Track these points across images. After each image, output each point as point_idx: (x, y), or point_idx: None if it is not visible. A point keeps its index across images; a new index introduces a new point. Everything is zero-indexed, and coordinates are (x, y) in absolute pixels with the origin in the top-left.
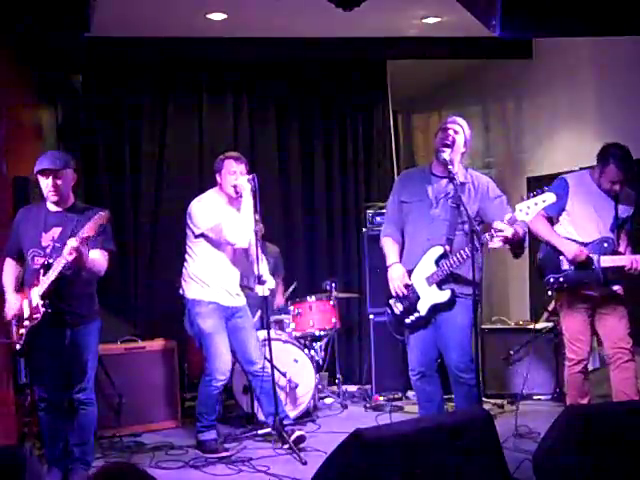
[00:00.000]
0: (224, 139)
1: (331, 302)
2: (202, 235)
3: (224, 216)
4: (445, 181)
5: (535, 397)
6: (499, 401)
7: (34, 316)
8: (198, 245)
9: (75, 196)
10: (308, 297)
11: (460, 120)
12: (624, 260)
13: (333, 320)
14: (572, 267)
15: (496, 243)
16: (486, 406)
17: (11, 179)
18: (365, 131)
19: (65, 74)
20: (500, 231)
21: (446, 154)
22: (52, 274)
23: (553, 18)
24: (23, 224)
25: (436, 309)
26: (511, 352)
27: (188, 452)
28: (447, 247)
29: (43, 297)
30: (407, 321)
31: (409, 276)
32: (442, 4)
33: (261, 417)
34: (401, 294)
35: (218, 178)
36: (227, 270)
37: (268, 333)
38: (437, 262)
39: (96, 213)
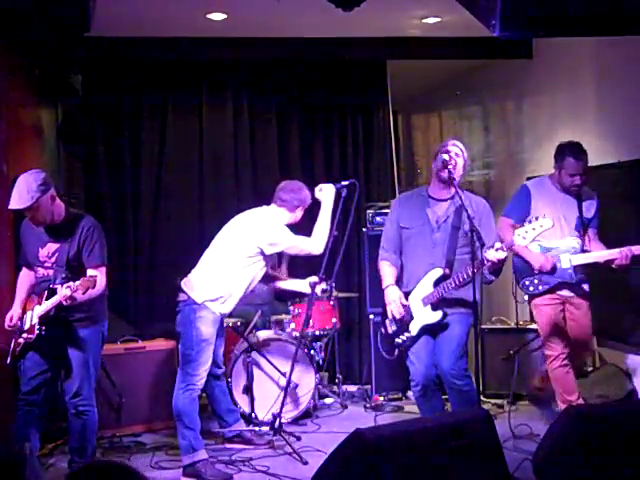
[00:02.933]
0: (224, 139)
1: (331, 302)
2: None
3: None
4: (445, 204)
5: None
6: (499, 401)
7: (29, 335)
8: (243, 261)
9: (65, 202)
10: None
11: (460, 144)
12: (613, 254)
13: (333, 320)
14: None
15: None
16: (486, 406)
17: (11, 179)
18: (365, 131)
19: (65, 74)
20: (492, 261)
21: (446, 174)
22: (49, 304)
23: (553, 18)
24: (24, 237)
25: (427, 329)
26: (511, 352)
27: None
28: (447, 270)
29: (41, 320)
30: (398, 341)
31: (407, 297)
32: (442, 4)
33: (262, 418)
34: (398, 316)
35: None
36: (247, 289)
37: (301, 333)
38: (435, 284)
39: (84, 223)
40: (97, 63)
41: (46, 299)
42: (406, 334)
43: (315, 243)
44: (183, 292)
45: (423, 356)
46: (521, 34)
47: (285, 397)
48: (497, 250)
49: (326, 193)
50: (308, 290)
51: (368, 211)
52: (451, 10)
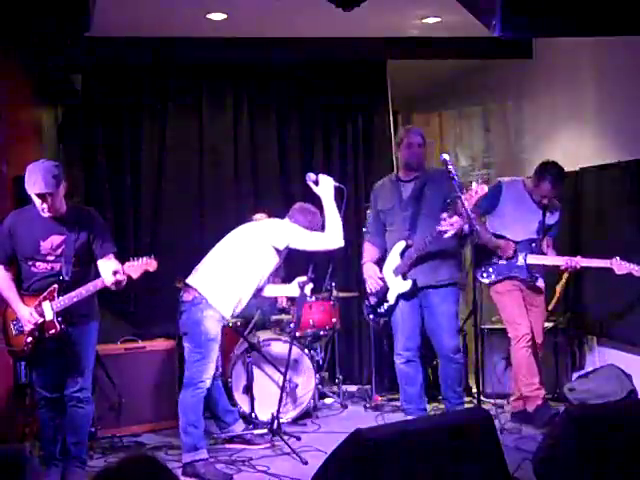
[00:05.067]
0: (224, 139)
1: (331, 302)
2: (278, 251)
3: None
4: (411, 184)
5: None
6: (499, 401)
7: (50, 331)
8: (254, 264)
9: (65, 196)
10: (308, 297)
11: (420, 130)
12: (559, 260)
13: (333, 320)
14: (502, 261)
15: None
16: (486, 406)
17: (11, 179)
18: (365, 131)
19: (65, 74)
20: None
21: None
22: (75, 295)
23: (553, 18)
24: (17, 230)
25: (404, 298)
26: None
27: None
28: (410, 241)
29: (58, 314)
30: (380, 310)
31: (381, 270)
32: (442, 4)
33: (262, 418)
34: (374, 290)
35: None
36: (253, 294)
37: (293, 334)
38: (401, 255)
39: (90, 214)
40: (97, 63)
41: (58, 292)
42: (386, 304)
43: (331, 237)
44: (188, 290)
45: (406, 328)
46: (521, 34)
47: (281, 399)
48: (444, 219)
49: (324, 185)
50: (297, 292)
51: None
52: (451, 10)
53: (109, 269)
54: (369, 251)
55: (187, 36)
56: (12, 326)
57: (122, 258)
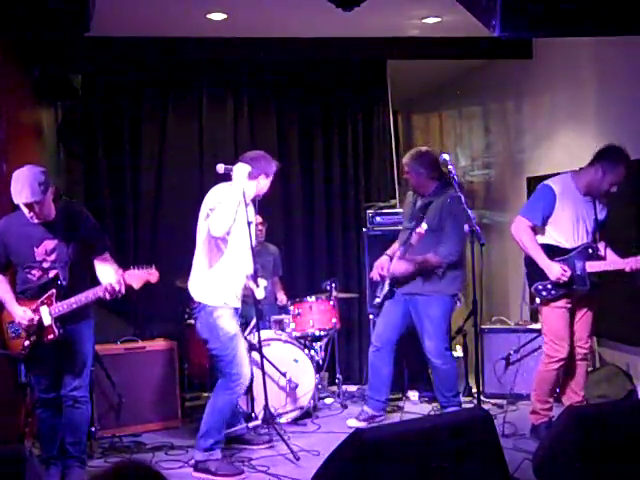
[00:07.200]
0: (224, 139)
1: (331, 302)
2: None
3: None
4: (423, 199)
5: None
6: (499, 401)
7: (49, 336)
8: (217, 243)
9: (55, 196)
10: (308, 297)
11: (406, 159)
12: (621, 264)
13: (333, 320)
14: None
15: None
16: (486, 406)
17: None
18: (365, 131)
19: (65, 74)
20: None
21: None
22: (74, 302)
23: (553, 18)
24: (10, 237)
25: (388, 299)
26: (511, 352)
27: (188, 452)
28: (407, 255)
29: (57, 319)
30: (374, 302)
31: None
32: (442, 4)
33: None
34: (372, 278)
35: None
36: (239, 271)
37: (259, 334)
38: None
39: (79, 214)
40: (97, 63)
41: (56, 298)
42: (376, 299)
43: (212, 223)
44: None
45: (384, 320)
46: (521, 34)
47: (266, 394)
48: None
49: (237, 172)
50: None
51: (368, 211)
52: (451, 10)
53: (107, 273)
54: (393, 247)
55: (187, 36)
56: (8, 329)
57: (122, 260)
